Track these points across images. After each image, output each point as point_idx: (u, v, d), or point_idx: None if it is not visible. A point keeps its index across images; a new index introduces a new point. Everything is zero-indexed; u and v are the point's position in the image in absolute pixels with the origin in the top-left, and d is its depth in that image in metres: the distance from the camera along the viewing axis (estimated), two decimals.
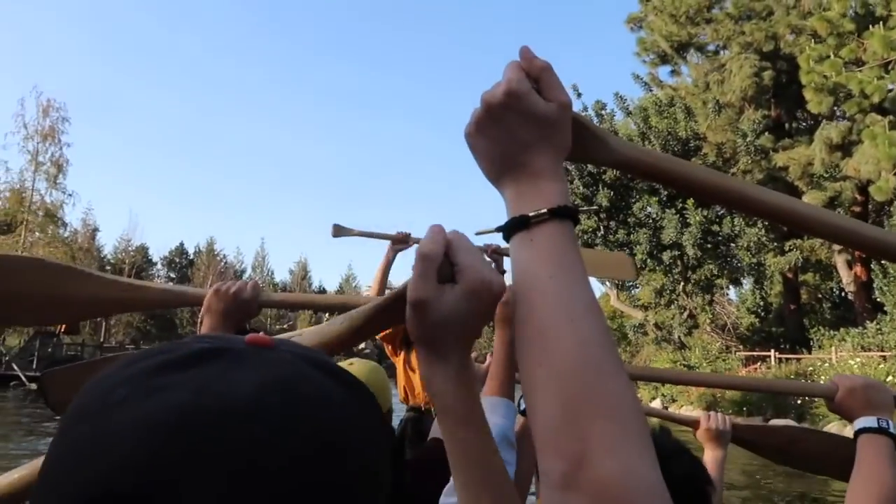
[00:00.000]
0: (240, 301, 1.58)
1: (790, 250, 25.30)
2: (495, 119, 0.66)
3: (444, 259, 0.66)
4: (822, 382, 2.00)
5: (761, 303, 30.39)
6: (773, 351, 23.37)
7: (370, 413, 0.48)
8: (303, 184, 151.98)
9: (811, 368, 18.56)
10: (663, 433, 1.44)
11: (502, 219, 0.66)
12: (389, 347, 3.95)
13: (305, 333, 0.85)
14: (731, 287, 30.20)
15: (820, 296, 33.30)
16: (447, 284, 0.65)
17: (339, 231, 3.75)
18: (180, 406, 0.40)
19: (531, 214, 0.62)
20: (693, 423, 1.95)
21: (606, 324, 0.59)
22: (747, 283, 29.13)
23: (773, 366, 22.48)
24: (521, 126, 0.65)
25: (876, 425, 1.31)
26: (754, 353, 24.40)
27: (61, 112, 35.63)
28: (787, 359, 22.56)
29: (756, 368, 22.93)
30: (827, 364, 19.03)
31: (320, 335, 0.80)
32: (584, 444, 0.51)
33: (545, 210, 0.62)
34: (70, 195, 35.29)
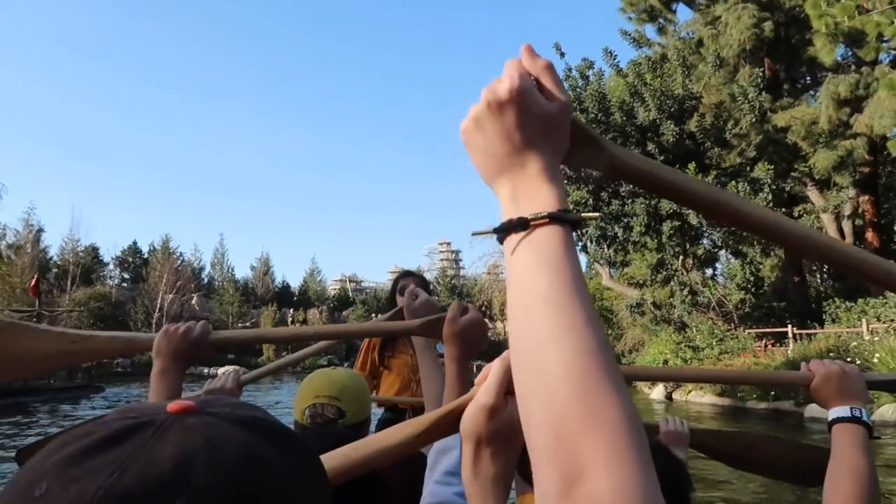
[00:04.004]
0: (189, 340, 1.59)
1: (800, 216, 23.30)
2: (495, 116, 0.64)
3: None
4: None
5: (751, 277, 28.57)
6: (789, 326, 21.31)
7: (301, 466, 0.49)
8: (262, 178, 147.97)
9: (854, 343, 16.35)
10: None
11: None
12: (363, 357, 3.95)
13: (371, 440, 0.87)
14: (711, 264, 28.35)
15: (814, 267, 31.62)
16: (508, 395, 0.75)
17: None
18: (96, 493, 0.40)
19: (530, 217, 0.60)
20: (653, 428, 1.92)
21: (605, 334, 0.58)
22: (732, 256, 27.24)
23: (795, 343, 20.36)
24: (521, 124, 0.63)
25: (849, 415, 1.32)
26: (767, 331, 22.30)
27: None
28: (807, 335, 20.50)
29: (766, 347, 20.86)
30: (866, 338, 16.93)
31: (382, 442, 0.84)
32: (580, 456, 0.50)
33: (545, 213, 0.60)
34: None
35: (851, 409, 1.34)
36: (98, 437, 0.44)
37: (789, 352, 19.40)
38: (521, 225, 0.61)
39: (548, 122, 0.64)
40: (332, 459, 0.82)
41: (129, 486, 0.40)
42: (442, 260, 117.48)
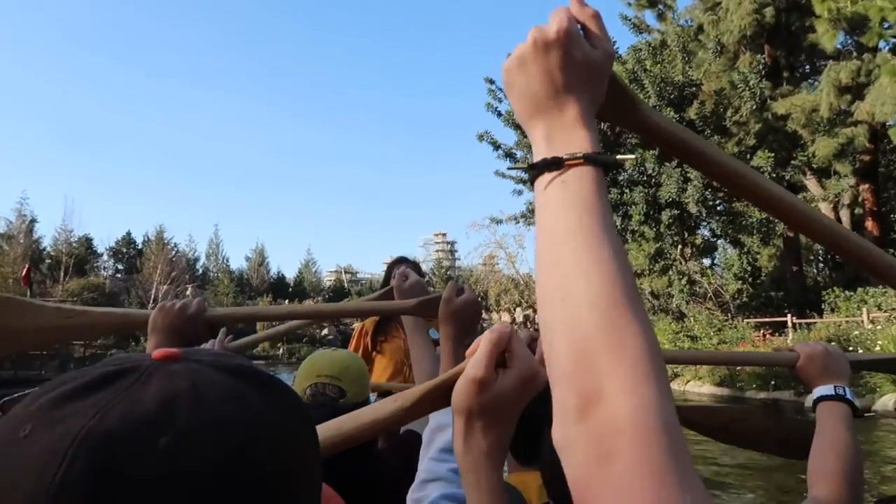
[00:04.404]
0: (185, 317, 1.57)
1: None
2: (541, 55, 0.65)
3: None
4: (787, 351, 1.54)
5: (748, 267, 28.35)
6: (788, 316, 21.11)
7: (286, 411, 0.49)
8: (258, 169, 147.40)
9: (856, 332, 16.21)
10: None
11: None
12: (356, 342, 3.84)
13: (362, 412, 0.87)
14: (710, 253, 28.16)
15: (812, 257, 31.48)
16: (499, 368, 0.76)
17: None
18: (80, 432, 0.40)
19: (565, 156, 0.62)
20: None
21: (631, 270, 0.59)
22: (731, 245, 26.96)
23: (795, 332, 20.19)
24: (564, 66, 0.64)
25: (833, 393, 1.36)
26: (766, 320, 22.11)
27: None
28: (807, 324, 20.32)
29: (765, 336, 20.66)
30: (867, 327, 16.75)
31: (373, 414, 0.85)
32: (601, 379, 0.51)
33: (581, 154, 0.62)
34: None
35: (835, 387, 1.37)
36: (82, 381, 0.44)
37: (789, 341, 19.20)
38: (555, 164, 0.62)
39: (590, 69, 0.65)
40: (324, 430, 0.81)
41: (113, 425, 0.40)
42: (437, 251, 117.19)
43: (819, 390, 1.39)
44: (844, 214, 24.56)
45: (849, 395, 1.37)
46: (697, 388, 19.46)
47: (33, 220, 52.66)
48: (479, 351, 0.77)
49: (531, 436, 1.24)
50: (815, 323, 20.13)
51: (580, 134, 0.63)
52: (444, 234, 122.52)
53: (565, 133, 0.63)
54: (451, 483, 1.09)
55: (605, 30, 0.67)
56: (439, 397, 0.83)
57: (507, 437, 0.79)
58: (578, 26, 0.66)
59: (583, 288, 0.55)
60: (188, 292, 53.81)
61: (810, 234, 0.94)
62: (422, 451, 1.21)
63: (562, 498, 1.20)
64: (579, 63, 0.64)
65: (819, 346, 1.46)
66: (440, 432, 1.18)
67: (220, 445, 0.42)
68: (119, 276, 62.78)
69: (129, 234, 68.91)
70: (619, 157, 0.65)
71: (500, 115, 25.04)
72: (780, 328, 21.53)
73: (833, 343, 14.87)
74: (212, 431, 0.42)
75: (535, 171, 0.64)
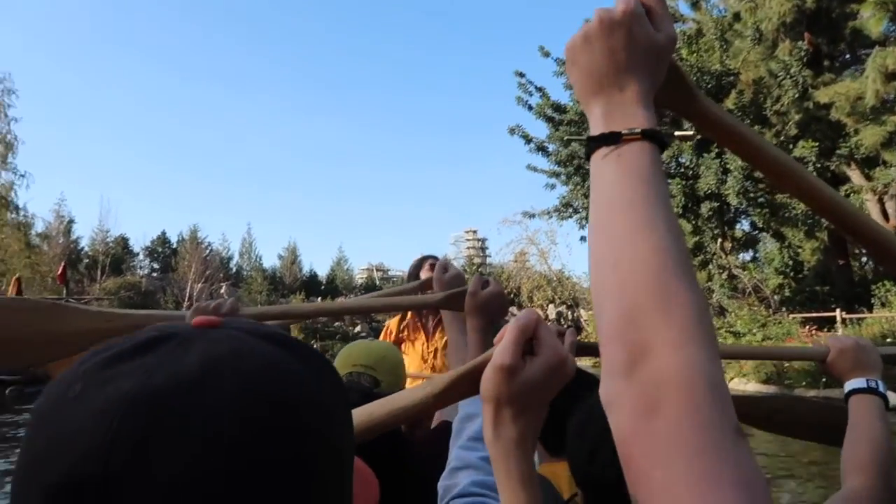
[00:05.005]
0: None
1: (847, 195, 22.25)
2: (606, 34, 0.66)
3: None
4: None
5: (790, 262, 27.48)
6: (837, 311, 20.35)
7: (323, 378, 0.50)
8: (290, 167, 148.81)
9: None
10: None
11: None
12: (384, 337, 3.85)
13: (393, 399, 0.88)
14: (752, 246, 27.40)
15: (857, 250, 30.52)
16: (527, 356, 0.76)
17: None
18: (132, 389, 0.42)
19: (624, 131, 0.63)
20: None
21: (684, 241, 0.60)
22: (773, 238, 26.18)
23: (845, 327, 19.43)
24: (628, 46, 0.66)
25: (865, 386, 1.36)
26: (813, 315, 21.34)
27: (6, 83, 31.90)
28: (857, 319, 19.57)
29: (812, 332, 19.95)
30: None
31: (403, 401, 0.87)
32: (649, 336, 0.52)
33: (639, 129, 0.63)
34: (23, 176, 31.92)
35: (867, 380, 1.36)
36: (129, 345, 0.46)
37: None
38: (613, 138, 0.63)
39: (652, 50, 0.66)
40: (355, 416, 0.79)
41: (160, 385, 0.42)
42: (468, 248, 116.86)
43: (851, 384, 1.38)
44: (891, 205, 23.63)
45: (881, 389, 1.36)
46: (742, 385, 18.83)
47: (71, 221, 53.74)
48: (506, 338, 0.77)
49: (560, 425, 1.25)
50: (865, 318, 19.36)
51: (639, 112, 0.64)
52: (474, 231, 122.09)
53: (624, 110, 0.64)
54: (480, 471, 1.11)
55: (668, 14, 0.68)
56: (468, 385, 0.84)
57: (538, 425, 0.78)
58: (643, 9, 0.66)
59: (634, 254, 0.56)
60: (222, 290, 54.18)
61: (859, 239, 0.94)
62: (452, 439, 1.22)
63: (587, 486, 1.19)
64: (642, 44, 0.65)
65: (850, 339, 1.45)
66: (469, 421, 1.20)
67: (262, 407, 0.43)
68: (155, 274, 63.66)
69: (163, 233, 69.95)
70: (678, 133, 0.54)
71: (530, 108, 24.63)
72: (827, 324, 20.75)
73: (888, 340, 14.28)
74: (255, 393, 0.44)
75: (593, 144, 0.64)
